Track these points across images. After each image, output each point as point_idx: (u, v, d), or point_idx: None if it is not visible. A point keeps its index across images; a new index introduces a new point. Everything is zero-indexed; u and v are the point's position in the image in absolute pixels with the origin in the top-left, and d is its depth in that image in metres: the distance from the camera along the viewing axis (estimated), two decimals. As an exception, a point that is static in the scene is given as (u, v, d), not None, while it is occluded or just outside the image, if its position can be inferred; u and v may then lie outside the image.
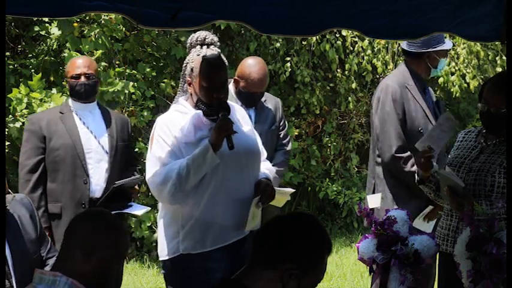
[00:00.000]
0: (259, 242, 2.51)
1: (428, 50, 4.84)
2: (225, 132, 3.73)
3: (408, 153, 4.72)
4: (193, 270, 3.84)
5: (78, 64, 4.90)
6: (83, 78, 4.83)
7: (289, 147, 5.57)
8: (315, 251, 2.49)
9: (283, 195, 5.01)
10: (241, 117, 4.06)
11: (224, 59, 3.94)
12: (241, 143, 3.85)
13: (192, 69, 3.87)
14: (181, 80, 4.04)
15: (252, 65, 5.19)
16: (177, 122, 3.85)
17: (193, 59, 3.89)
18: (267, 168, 4.11)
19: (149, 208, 5.46)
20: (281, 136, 5.50)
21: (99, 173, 4.79)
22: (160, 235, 3.98)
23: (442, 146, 4.02)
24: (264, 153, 4.14)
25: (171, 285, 3.96)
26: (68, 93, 5.07)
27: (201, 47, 3.93)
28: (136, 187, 5.00)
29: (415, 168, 4.67)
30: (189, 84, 3.91)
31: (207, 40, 3.96)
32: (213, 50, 3.93)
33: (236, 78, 5.22)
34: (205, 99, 3.85)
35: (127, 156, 5.03)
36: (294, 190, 4.89)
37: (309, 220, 2.56)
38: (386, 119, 4.77)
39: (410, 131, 4.77)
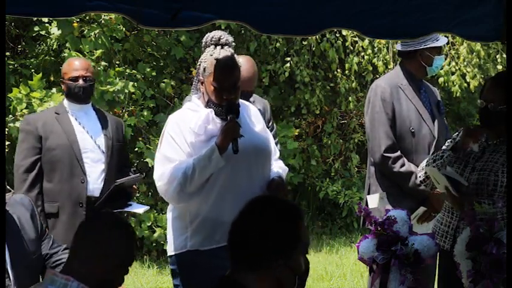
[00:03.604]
0: (235, 247, 2.52)
1: (418, 48, 4.81)
2: (231, 136, 3.76)
3: (398, 153, 4.70)
4: (200, 267, 3.85)
5: (76, 66, 4.90)
6: (81, 81, 4.84)
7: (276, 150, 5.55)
8: (288, 228, 2.45)
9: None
10: (253, 116, 4.06)
11: (238, 60, 3.94)
12: (251, 142, 3.86)
13: (204, 69, 3.88)
14: (195, 78, 4.05)
15: (240, 64, 5.19)
16: (189, 120, 3.87)
17: (206, 59, 3.89)
18: (280, 167, 4.11)
19: (148, 207, 5.48)
20: None
21: (96, 172, 4.78)
22: (169, 231, 4.00)
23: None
24: (276, 152, 4.14)
25: (178, 281, 3.96)
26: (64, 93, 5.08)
27: (215, 47, 3.93)
28: (135, 186, 5.01)
29: (404, 169, 4.67)
30: (202, 84, 3.92)
31: (221, 40, 3.94)
32: (227, 51, 3.91)
33: None
34: (215, 100, 3.87)
35: (122, 157, 5.04)
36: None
37: (263, 204, 2.54)
38: (375, 119, 4.76)
39: (401, 130, 4.76)
